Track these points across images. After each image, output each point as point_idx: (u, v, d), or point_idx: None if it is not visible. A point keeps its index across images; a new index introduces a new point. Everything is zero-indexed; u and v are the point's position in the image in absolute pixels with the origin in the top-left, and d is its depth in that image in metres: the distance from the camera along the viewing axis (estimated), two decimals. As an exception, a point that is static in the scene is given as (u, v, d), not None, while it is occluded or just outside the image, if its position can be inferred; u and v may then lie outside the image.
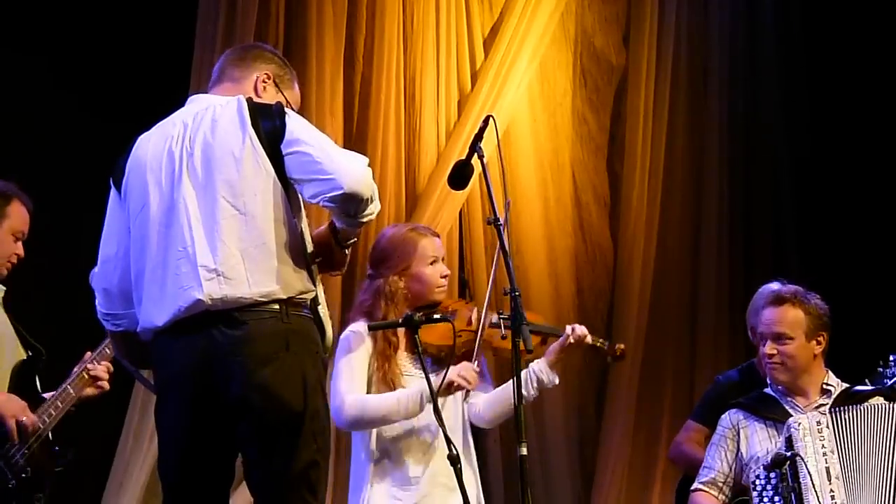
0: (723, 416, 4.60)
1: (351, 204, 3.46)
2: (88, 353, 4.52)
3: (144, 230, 3.55)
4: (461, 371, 4.23)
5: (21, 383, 4.46)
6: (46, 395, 4.49)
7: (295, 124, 3.54)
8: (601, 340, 4.50)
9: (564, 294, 7.19)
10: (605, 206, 7.50)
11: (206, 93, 3.79)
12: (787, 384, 4.49)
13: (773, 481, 4.26)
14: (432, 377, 4.06)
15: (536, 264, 7.11)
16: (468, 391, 4.32)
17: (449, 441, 3.85)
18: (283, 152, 3.50)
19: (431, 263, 4.36)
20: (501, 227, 4.02)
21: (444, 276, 4.40)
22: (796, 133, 7.82)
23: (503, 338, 4.25)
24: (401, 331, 4.32)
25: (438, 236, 4.54)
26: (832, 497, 4.20)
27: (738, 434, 4.50)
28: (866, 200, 7.65)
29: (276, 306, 3.47)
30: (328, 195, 3.45)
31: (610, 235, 7.47)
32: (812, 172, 7.77)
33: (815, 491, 4.17)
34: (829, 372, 4.54)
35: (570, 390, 7.11)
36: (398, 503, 4.25)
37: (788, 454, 4.21)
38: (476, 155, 4.16)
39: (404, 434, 4.30)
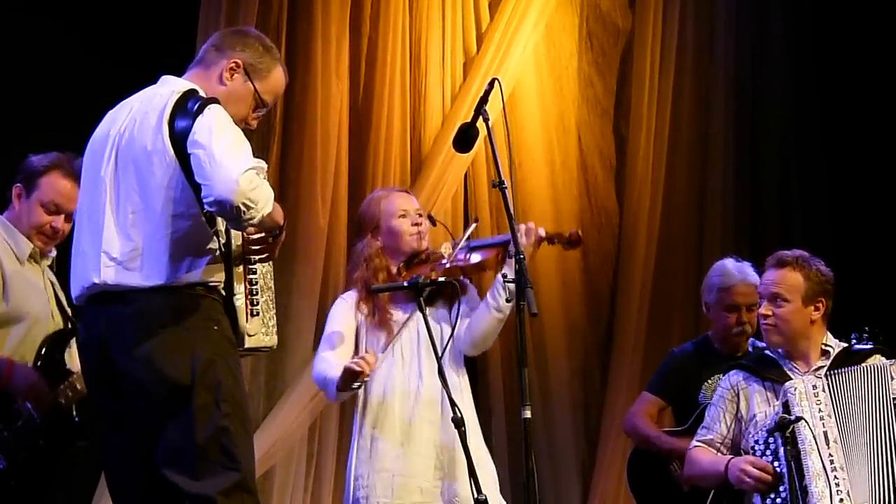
0: (723, 378, 4.58)
1: (223, 212, 3.40)
2: None
3: (78, 210, 3.73)
4: (361, 359, 4.20)
5: (48, 354, 4.40)
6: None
7: (200, 125, 3.46)
8: (555, 233, 4.53)
9: (570, 257, 7.18)
10: (611, 168, 7.50)
11: (183, 73, 3.75)
12: (782, 346, 4.45)
13: (772, 446, 4.24)
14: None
15: (542, 227, 7.09)
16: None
17: (453, 404, 3.86)
18: (188, 152, 3.47)
19: (400, 217, 4.41)
20: (507, 190, 4.01)
21: (416, 224, 4.42)
22: (803, 94, 7.79)
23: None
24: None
25: (409, 193, 4.58)
26: (831, 461, 4.17)
27: (738, 395, 4.47)
28: (870, 155, 7.63)
29: (172, 290, 3.52)
30: (205, 201, 3.41)
31: (616, 198, 7.47)
32: (818, 132, 7.74)
33: (820, 455, 4.16)
34: (828, 333, 4.50)
35: (574, 354, 7.13)
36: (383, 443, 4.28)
37: (792, 417, 4.19)
38: (481, 118, 4.16)
39: (391, 386, 4.34)
